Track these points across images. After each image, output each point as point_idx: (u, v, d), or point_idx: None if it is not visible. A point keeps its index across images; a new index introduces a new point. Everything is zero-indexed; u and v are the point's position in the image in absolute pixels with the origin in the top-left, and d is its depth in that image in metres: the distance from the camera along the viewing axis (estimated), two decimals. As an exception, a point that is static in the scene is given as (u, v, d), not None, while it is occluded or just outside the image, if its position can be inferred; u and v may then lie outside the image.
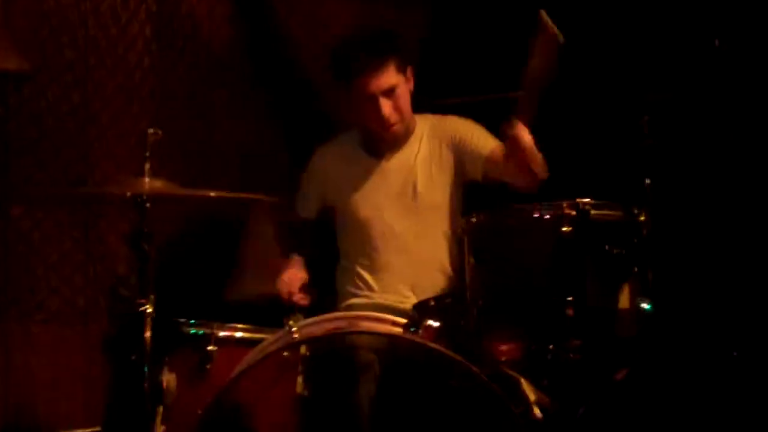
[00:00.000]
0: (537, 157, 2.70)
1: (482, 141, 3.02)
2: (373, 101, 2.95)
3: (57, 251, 3.16)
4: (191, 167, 3.29)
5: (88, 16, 3.17)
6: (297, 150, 3.38)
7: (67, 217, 3.15)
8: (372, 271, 3.10)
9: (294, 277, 3.00)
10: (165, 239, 3.19)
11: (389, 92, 2.95)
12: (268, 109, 3.52)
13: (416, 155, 3.09)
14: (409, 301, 3.01)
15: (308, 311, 2.88)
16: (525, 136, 2.60)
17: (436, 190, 3.06)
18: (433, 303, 2.81)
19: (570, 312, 2.28)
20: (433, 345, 2.23)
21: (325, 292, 3.16)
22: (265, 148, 3.28)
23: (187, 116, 3.35)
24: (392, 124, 3.00)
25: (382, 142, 3.10)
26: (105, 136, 3.19)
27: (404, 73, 2.99)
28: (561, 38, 2.35)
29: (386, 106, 2.96)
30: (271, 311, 2.69)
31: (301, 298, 2.93)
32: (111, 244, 3.15)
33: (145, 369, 2.48)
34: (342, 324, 2.46)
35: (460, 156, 3.04)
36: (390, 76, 2.94)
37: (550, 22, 2.35)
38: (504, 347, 2.40)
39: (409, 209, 3.06)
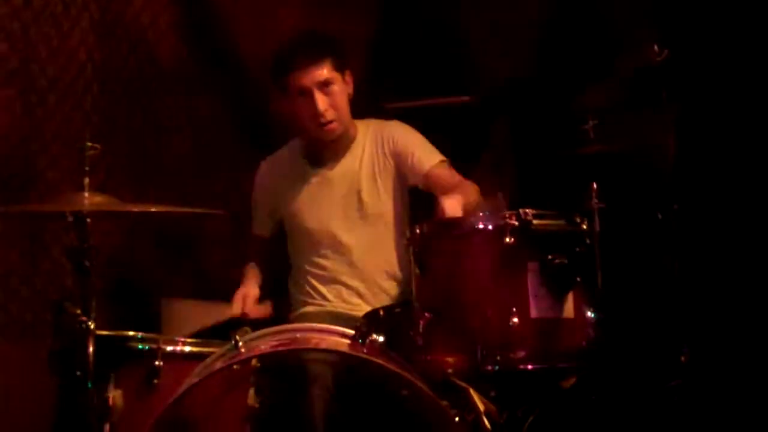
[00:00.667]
0: (470, 198, 2.72)
1: (424, 155, 3.01)
2: (307, 95, 2.94)
3: (3, 265, 3.11)
4: (136, 179, 3.25)
5: (29, 25, 3.11)
6: (245, 159, 3.36)
7: (10, 229, 3.10)
8: (322, 281, 3.10)
9: (247, 294, 3.00)
10: (111, 252, 3.19)
11: (324, 86, 2.94)
12: (214, 117, 3.49)
13: (360, 163, 3.07)
14: (361, 309, 3.02)
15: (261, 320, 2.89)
16: (454, 206, 2.59)
17: (381, 198, 3.05)
18: (382, 312, 2.82)
19: (514, 322, 2.28)
20: (377, 360, 2.22)
21: (280, 300, 3.16)
22: (211, 157, 3.24)
23: (131, 126, 3.31)
24: (328, 121, 2.97)
25: (324, 150, 3.08)
26: (48, 147, 3.14)
27: (341, 73, 2.98)
28: None
29: (321, 100, 2.94)
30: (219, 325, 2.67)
31: (256, 313, 2.93)
32: (56, 257, 3.10)
33: (90, 385, 2.46)
34: (288, 338, 2.44)
35: (400, 165, 3.04)
36: (325, 71, 2.94)
37: None
38: (451, 358, 2.40)
39: (355, 218, 3.05)
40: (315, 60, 2.92)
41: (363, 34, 3.67)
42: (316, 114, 2.94)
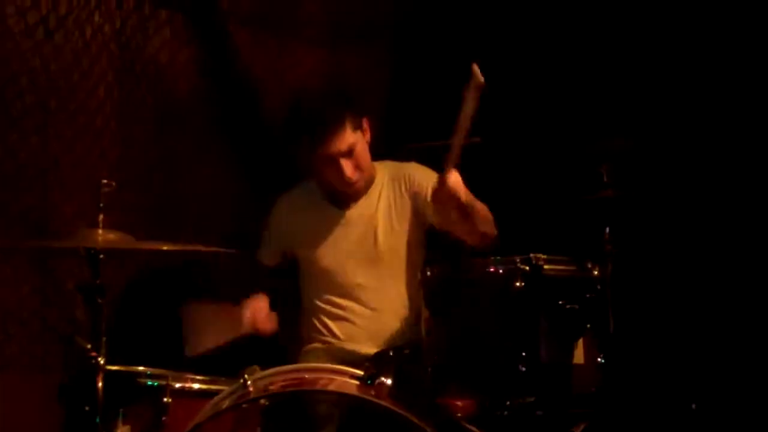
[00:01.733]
0: (476, 205, 2.72)
1: None
2: (334, 163, 2.96)
3: (15, 297, 3.12)
4: (151, 216, 3.26)
5: (50, 61, 3.15)
6: (260, 198, 3.37)
7: (25, 262, 3.11)
8: (333, 318, 3.11)
9: (256, 308, 2.99)
10: (123, 288, 3.20)
11: (348, 153, 2.96)
12: (231, 156, 3.51)
13: (377, 204, 3.09)
14: (371, 348, 3.02)
15: (271, 347, 2.90)
16: (457, 181, 2.61)
17: (397, 239, 3.06)
18: (391, 354, 2.81)
19: (523, 368, 2.27)
20: (385, 403, 2.22)
21: (286, 335, 3.17)
22: (227, 196, 3.26)
23: (148, 163, 3.33)
24: (355, 182, 3.01)
25: (343, 194, 3.10)
26: (65, 181, 3.16)
27: (360, 128, 2.99)
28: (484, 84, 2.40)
29: (347, 166, 2.97)
30: (228, 360, 2.67)
31: (267, 326, 2.97)
32: (68, 291, 3.11)
33: (98, 420, 2.47)
34: (296, 377, 2.44)
35: (417, 204, 3.04)
36: (347, 137, 2.94)
37: (479, 72, 2.39)
38: (460, 402, 2.39)
39: (370, 259, 3.06)
40: (336, 130, 2.92)
41: (381, 74, 3.69)
42: (342, 179, 2.97)
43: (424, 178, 3.03)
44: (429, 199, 2.87)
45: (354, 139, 2.96)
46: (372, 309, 3.06)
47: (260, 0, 3.61)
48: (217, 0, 3.50)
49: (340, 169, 2.97)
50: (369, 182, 3.10)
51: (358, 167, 2.99)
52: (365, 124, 3.02)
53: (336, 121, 2.93)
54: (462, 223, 2.73)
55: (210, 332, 2.89)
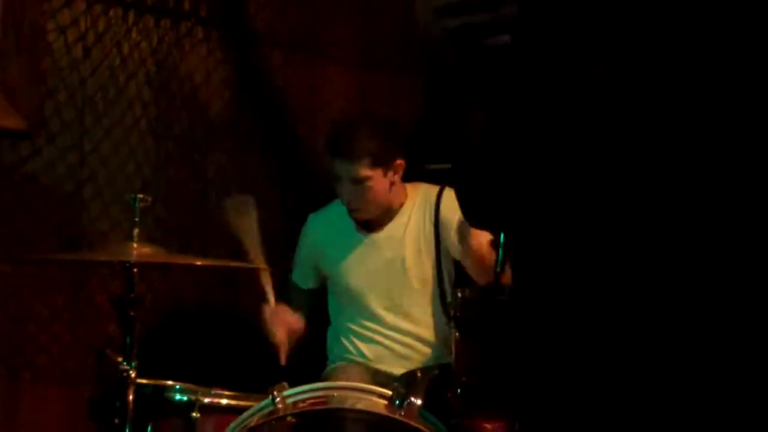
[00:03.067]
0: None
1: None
2: (339, 183, 2.99)
3: (48, 309, 3.15)
4: (185, 232, 3.29)
5: (87, 77, 3.19)
6: (292, 216, 3.40)
7: (57, 274, 3.15)
8: (363, 339, 3.12)
9: (276, 313, 3.02)
10: (157, 301, 3.23)
11: (356, 182, 2.98)
12: (263, 174, 3.54)
13: (405, 228, 3.09)
14: (399, 369, 3.03)
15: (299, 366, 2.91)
16: (483, 244, 2.62)
17: (424, 265, 3.07)
18: (419, 374, 2.82)
19: (553, 391, 2.27)
20: (414, 424, 2.22)
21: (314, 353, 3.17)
22: (259, 214, 3.28)
23: (181, 178, 3.36)
24: (353, 210, 3.03)
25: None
26: (100, 195, 3.20)
27: (385, 166, 3.00)
28: None
29: (347, 192, 2.99)
30: (257, 375, 2.68)
31: (293, 325, 3.02)
32: (101, 303, 3.14)
33: (128, 434, 2.48)
34: (324, 395, 2.45)
35: (442, 233, 3.05)
36: (361, 169, 2.96)
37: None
38: (489, 424, 2.39)
39: (398, 283, 3.07)
40: (351, 158, 2.96)
41: (412, 93, 3.71)
42: (342, 202, 3.01)
43: (452, 208, 2.95)
44: (453, 233, 2.89)
45: (369, 174, 2.96)
46: (400, 331, 3.08)
47: (294, 22, 3.64)
48: (252, 21, 3.54)
49: (342, 192, 3.00)
50: (395, 207, 3.10)
51: (362, 198, 3.00)
52: (395, 162, 3.03)
53: (355, 150, 2.96)
54: (478, 270, 2.75)
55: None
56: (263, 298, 2.99)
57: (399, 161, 3.03)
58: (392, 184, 3.04)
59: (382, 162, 2.99)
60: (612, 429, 2.05)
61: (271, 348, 2.98)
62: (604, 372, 2.04)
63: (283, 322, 2.99)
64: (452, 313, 2.48)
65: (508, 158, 1.96)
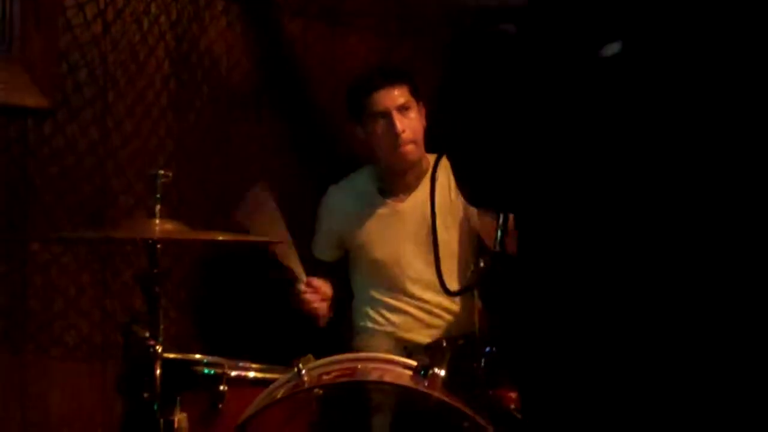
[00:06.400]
0: None
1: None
2: (386, 117, 2.96)
3: (75, 285, 3.17)
4: (207, 205, 3.29)
5: (107, 53, 3.18)
6: (314, 188, 3.39)
7: (84, 251, 3.16)
8: (389, 309, 3.12)
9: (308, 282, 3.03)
10: (183, 276, 3.24)
11: (402, 109, 2.96)
12: (285, 145, 3.53)
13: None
14: (425, 338, 3.03)
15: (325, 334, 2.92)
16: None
17: (449, 232, 3.05)
18: (445, 344, 2.82)
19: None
20: (437, 394, 2.22)
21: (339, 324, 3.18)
22: (281, 186, 3.27)
23: (203, 153, 3.35)
24: (407, 142, 2.99)
25: (397, 181, 3.09)
26: (123, 171, 3.20)
27: (417, 101, 3.01)
28: None
29: (400, 121, 2.96)
30: (283, 348, 2.69)
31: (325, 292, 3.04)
32: (127, 279, 3.16)
33: (156, 407, 2.50)
34: (349, 367, 2.46)
35: (467, 206, 3.03)
36: (404, 94, 2.98)
37: None
38: (513, 393, 2.39)
39: (424, 252, 3.05)
40: (394, 83, 2.98)
41: (432, 68, 3.67)
42: (396, 135, 2.96)
43: None
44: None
45: (410, 100, 2.98)
46: (427, 301, 3.07)
47: (313, -9, 3.62)
48: (270, -10, 3.52)
49: (392, 124, 2.95)
50: (421, 168, 3.09)
51: (411, 128, 2.98)
52: (422, 107, 3.03)
53: (394, 77, 2.98)
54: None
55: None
56: (290, 274, 3.00)
57: (423, 103, 3.04)
58: (423, 127, 3.04)
59: (417, 94, 3.02)
60: (615, 411, 2.03)
61: (306, 319, 2.99)
62: (608, 356, 2.02)
63: (318, 294, 3.00)
64: (475, 281, 2.47)
65: (511, 139, 1.93)
